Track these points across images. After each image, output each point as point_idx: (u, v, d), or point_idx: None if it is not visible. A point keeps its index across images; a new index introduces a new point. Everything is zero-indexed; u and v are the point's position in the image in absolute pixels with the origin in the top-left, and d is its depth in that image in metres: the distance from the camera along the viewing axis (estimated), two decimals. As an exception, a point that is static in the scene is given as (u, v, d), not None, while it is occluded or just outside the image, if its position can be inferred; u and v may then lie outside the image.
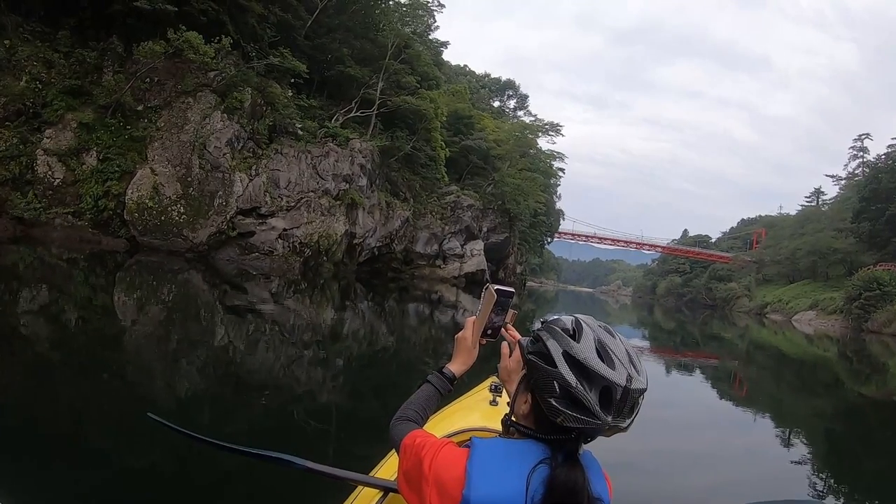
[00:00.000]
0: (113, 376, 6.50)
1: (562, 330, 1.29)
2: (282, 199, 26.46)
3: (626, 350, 1.27)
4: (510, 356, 1.46)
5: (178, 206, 23.69)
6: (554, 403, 1.21)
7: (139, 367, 7.12)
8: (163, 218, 23.31)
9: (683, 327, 35.88)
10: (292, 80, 29.24)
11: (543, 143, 56.35)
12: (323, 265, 27.89)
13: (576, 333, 1.28)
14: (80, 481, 3.60)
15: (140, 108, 24.76)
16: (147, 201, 23.11)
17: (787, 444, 8.03)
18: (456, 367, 1.64)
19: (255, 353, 8.85)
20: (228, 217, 24.56)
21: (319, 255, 27.55)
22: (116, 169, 23.24)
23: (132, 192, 23.03)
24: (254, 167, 25.86)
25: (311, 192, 27.64)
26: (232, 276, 21.07)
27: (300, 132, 28.44)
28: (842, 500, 5.73)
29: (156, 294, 14.04)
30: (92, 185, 22.73)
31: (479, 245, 41.91)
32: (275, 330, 11.38)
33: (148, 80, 25.01)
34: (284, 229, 26.09)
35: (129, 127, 24.13)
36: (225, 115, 25.22)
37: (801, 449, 7.92)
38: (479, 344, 1.64)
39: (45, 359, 6.80)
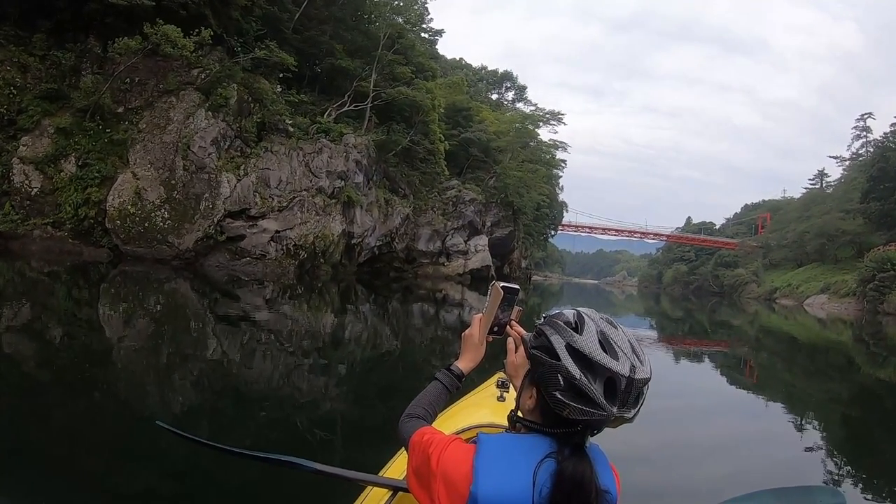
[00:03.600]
0: (104, 394, 6.22)
1: (564, 323, 1.30)
2: (273, 199, 25.16)
3: (629, 341, 1.28)
4: (516, 352, 1.46)
5: (162, 210, 22.56)
6: (559, 396, 1.22)
7: (130, 383, 6.81)
8: (146, 224, 22.19)
9: (691, 315, 35.53)
10: (281, 75, 28.28)
11: (545, 133, 55.15)
12: (320, 268, 26.77)
13: (578, 326, 1.28)
14: (87, 496, 3.61)
15: (120, 109, 23.88)
16: (129, 207, 22.01)
17: (801, 430, 7.84)
18: (464, 364, 1.66)
19: (252, 364, 8.45)
20: (216, 220, 23.33)
21: (316, 258, 26.40)
22: (96, 175, 22.22)
23: (113, 199, 21.94)
24: (242, 167, 24.68)
25: (305, 190, 26.37)
26: (222, 283, 20.21)
27: (291, 129, 27.21)
28: (860, 487, 5.45)
29: (143, 306, 13.39)
30: (71, 193, 21.81)
31: (483, 240, 40.83)
32: (271, 338, 10.85)
33: (128, 80, 24.10)
34: (277, 231, 24.82)
35: (108, 130, 23.18)
36: (209, 112, 24.08)
37: (815, 435, 7.76)
38: (486, 341, 1.64)
39: (32, 377, 6.52)
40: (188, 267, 22.33)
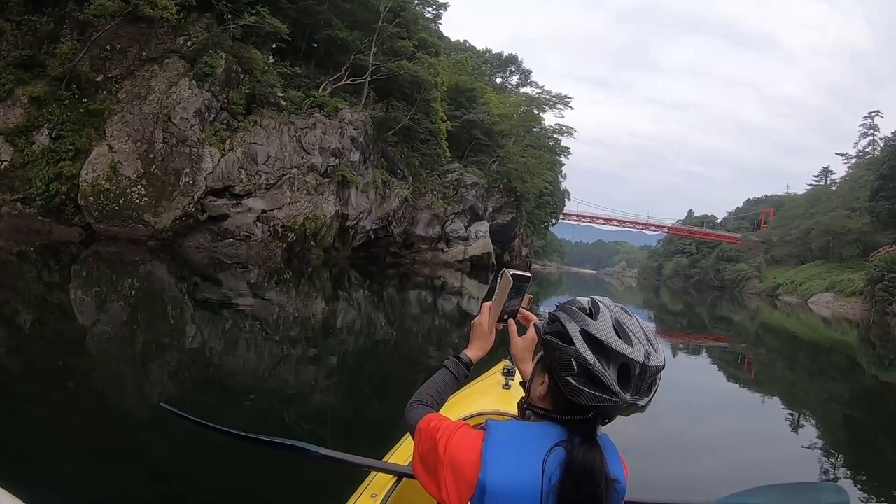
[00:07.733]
0: (78, 384, 5.84)
1: (578, 310, 1.28)
2: (260, 176, 23.63)
3: (643, 329, 1.26)
4: (521, 336, 1.54)
5: (139, 186, 21.12)
6: (572, 382, 1.20)
7: (106, 372, 6.49)
8: (121, 201, 20.77)
9: (691, 309, 35.74)
10: (274, 46, 26.65)
11: (550, 117, 53.50)
12: (311, 251, 25.32)
13: (593, 312, 1.27)
14: (70, 495, 3.37)
15: (99, 78, 22.56)
16: (103, 183, 20.58)
17: (800, 428, 7.90)
18: (473, 352, 1.63)
19: (236, 353, 8.18)
20: (196, 198, 21.86)
21: (306, 240, 24.90)
22: (70, 147, 20.88)
23: (87, 174, 20.51)
24: (228, 141, 23.16)
25: (295, 168, 24.85)
26: (202, 266, 19.24)
27: (283, 102, 25.75)
28: (859, 485, 5.42)
29: (116, 290, 12.77)
30: (42, 167, 20.50)
31: (484, 226, 39.60)
32: (256, 326, 10.51)
33: (108, 47, 22.70)
34: (263, 211, 23.32)
35: (85, 100, 21.86)
36: (194, 82, 22.61)
37: (815, 433, 7.77)
38: (496, 329, 1.62)
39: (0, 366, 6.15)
40: (165, 248, 21.08)
